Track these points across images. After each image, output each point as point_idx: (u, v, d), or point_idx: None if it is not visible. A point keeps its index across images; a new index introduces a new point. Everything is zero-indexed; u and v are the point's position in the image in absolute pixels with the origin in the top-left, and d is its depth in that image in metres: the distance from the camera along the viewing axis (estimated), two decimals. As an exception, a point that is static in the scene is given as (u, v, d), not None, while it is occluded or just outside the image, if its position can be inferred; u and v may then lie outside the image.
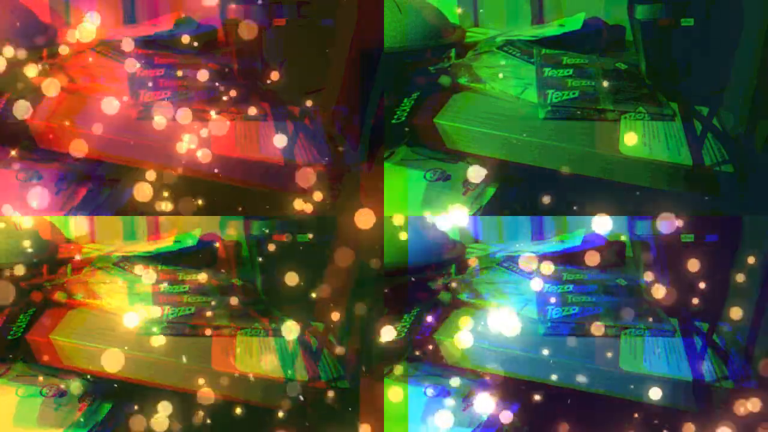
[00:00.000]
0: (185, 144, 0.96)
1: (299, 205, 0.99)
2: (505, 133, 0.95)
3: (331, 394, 0.86)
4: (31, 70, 1.02)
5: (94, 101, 1.01)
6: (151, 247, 1.26)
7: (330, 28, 0.99)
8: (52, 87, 1.01)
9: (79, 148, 0.97)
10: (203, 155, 0.95)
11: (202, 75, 1.09)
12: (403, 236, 1.04)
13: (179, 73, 1.08)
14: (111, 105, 0.99)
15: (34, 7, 1.12)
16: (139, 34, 1.19)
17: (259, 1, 0.99)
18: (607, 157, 0.91)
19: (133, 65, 1.08)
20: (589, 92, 0.99)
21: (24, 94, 0.99)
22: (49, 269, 1.07)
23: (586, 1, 1.28)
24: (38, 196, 1.02)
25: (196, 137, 0.97)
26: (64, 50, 1.10)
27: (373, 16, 0.97)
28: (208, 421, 1.04)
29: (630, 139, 0.92)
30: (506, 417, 1.00)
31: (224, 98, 1.04)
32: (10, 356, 0.82)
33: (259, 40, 1.00)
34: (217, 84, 1.07)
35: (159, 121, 0.98)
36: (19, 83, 1.00)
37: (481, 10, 1.41)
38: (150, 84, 1.03)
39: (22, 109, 0.96)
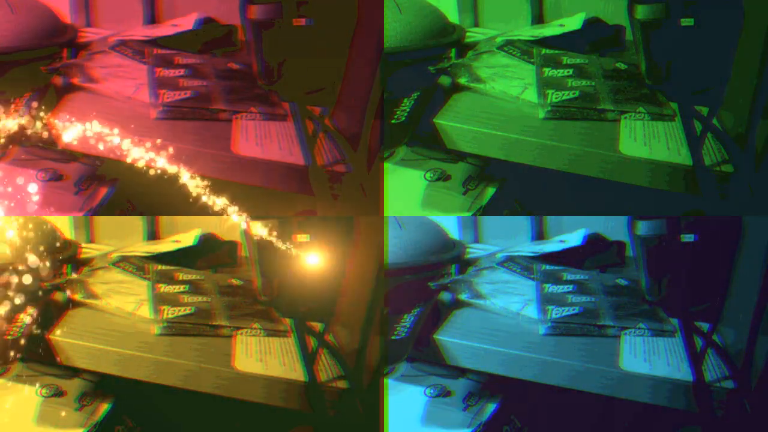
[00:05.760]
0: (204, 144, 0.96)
1: (303, 205, 0.99)
2: (505, 133, 0.95)
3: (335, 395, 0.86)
4: (51, 70, 1.02)
5: (113, 101, 1.01)
6: (150, 247, 1.26)
7: (329, 28, 0.99)
8: (71, 87, 1.01)
9: (97, 149, 0.95)
10: (221, 156, 0.94)
11: (222, 75, 1.09)
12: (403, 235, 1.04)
13: (199, 73, 1.08)
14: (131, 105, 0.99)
15: (55, 7, 1.12)
16: (160, 34, 1.19)
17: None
18: (607, 157, 0.91)
19: (152, 65, 1.07)
20: (589, 92, 0.99)
21: (44, 94, 0.98)
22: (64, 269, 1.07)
23: (586, 1, 1.29)
24: (58, 196, 1.01)
25: (216, 137, 0.96)
26: (84, 50, 1.10)
27: (373, 16, 0.97)
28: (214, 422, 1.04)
29: (629, 139, 0.92)
30: (506, 417, 1.00)
31: (244, 98, 1.04)
32: (11, 356, 0.82)
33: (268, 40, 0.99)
34: (237, 84, 1.07)
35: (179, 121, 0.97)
36: (39, 83, 0.99)
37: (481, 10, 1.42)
38: (170, 84, 1.03)
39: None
